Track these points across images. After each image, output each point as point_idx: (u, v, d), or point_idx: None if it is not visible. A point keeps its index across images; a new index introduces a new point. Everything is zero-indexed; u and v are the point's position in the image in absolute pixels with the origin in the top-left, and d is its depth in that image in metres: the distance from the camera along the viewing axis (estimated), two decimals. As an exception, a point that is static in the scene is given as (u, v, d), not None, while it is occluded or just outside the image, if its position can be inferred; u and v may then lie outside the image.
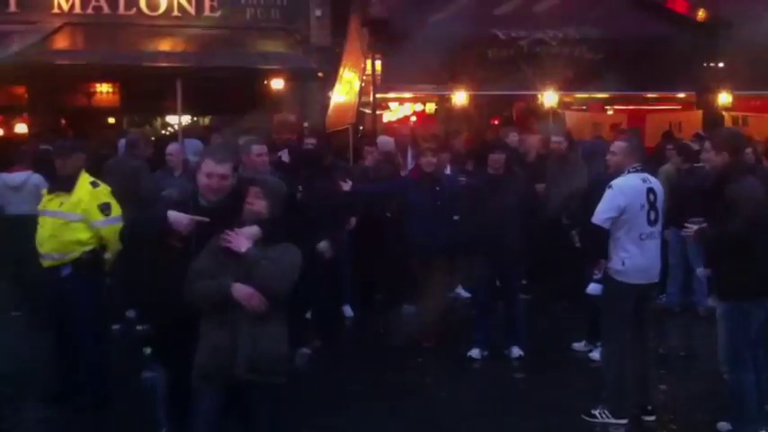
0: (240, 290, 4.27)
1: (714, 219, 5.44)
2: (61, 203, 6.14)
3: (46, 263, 6.18)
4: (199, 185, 4.63)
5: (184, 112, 13.33)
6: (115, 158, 8.89)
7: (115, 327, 8.02)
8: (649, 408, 6.15)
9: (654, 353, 8.02)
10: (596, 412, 6.07)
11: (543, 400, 6.45)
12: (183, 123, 13.62)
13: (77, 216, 6.14)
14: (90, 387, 6.36)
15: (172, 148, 9.21)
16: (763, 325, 5.57)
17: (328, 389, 6.72)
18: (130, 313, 8.76)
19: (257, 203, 4.45)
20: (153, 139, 12.26)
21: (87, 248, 6.21)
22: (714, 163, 5.52)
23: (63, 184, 6.21)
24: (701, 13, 12.85)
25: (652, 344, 6.44)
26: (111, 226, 6.15)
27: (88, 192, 6.21)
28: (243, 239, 4.34)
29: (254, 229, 4.39)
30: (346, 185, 8.17)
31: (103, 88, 15.70)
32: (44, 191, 6.29)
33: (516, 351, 7.73)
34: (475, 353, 7.73)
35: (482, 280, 7.84)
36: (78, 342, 6.32)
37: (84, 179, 6.31)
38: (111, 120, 16.30)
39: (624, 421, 6.03)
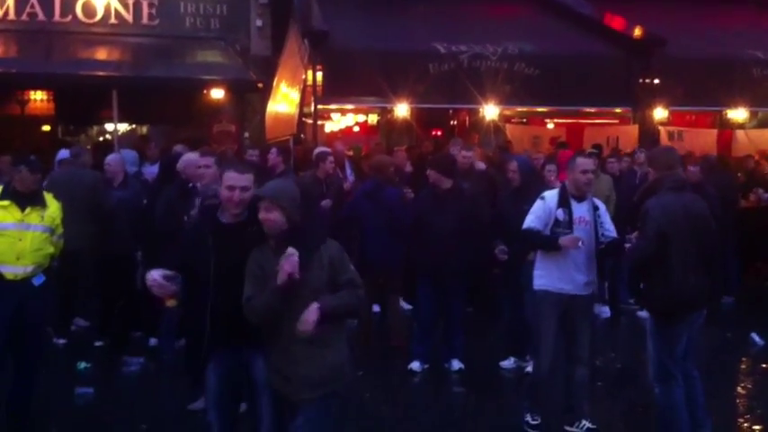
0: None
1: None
2: (42, 217, 6.18)
3: (17, 275, 6.05)
4: (221, 199, 4.52)
5: (121, 121, 13.13)
6: (64, 170, 8.73)
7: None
8: None
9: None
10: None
11: (484, 413, 6.45)
12: (120, 132, 13.40)
13: (52, 229, 6.25)
14: (29, 401, 6.21)
15: (111, 158, 9.03)
16: (693, 340, 5.65)
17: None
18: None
19: (269, 217, 4.25)
20: (89, 147, 12.01)
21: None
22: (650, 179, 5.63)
23: (37, 199, 6.23)
24: (636, 31, 13.11)
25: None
26: (61, 241, 6.41)
27: (57, 206, 6.34)
28: (312, 317, 4.15)
29: (293, 258, 4.13)
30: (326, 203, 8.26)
31: (38, 96, 15.34)
32: (3, 203, 6.11)
33: (456, 364, 7.73)
34: (415, 366, 7.71)
35: (424, 294, 7.83)
36: (32, 354, 6.21)
37: (47, 193, 6.40)
38: (46, 128, 15.95)
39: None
